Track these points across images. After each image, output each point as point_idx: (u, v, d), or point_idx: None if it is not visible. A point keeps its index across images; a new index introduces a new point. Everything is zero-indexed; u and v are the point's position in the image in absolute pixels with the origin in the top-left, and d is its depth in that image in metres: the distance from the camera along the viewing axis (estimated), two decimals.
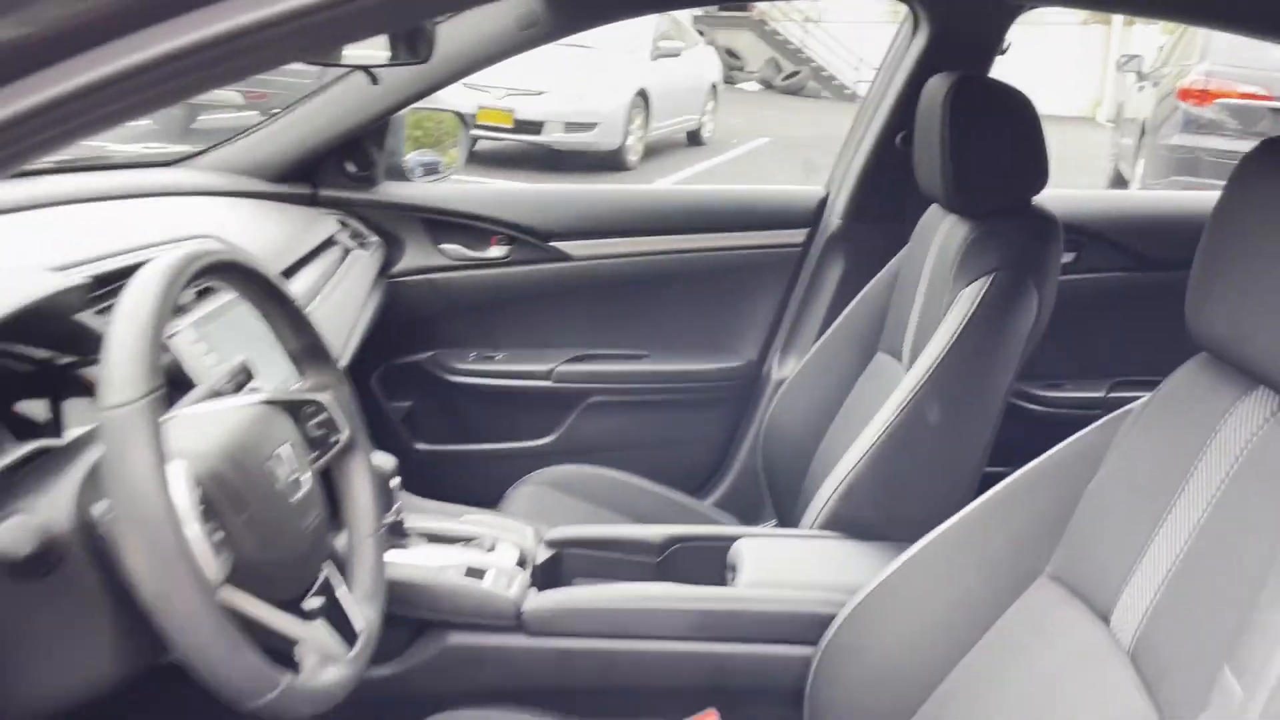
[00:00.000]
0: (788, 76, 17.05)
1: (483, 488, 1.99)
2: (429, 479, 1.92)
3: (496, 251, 2.30)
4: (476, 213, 2.29)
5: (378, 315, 2.09)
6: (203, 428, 0.97)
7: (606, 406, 2.33)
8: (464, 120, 2.54)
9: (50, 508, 0.89)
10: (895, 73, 2.20)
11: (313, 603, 1.03)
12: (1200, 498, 0.97)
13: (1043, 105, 1.67)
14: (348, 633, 1.05)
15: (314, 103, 2.10)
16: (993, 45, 2.12)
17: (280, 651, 0.96)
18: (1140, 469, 1.07)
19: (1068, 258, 2.25)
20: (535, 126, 8.63)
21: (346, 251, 2.07)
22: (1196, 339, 1.03)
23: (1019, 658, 1.13)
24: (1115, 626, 1.02)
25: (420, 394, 2.33)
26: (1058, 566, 1.14)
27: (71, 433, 1.05)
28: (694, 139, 10.94)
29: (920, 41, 2.14)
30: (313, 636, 0.99)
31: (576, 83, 8.61)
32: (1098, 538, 1.09)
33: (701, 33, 12.71)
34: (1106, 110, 14.79)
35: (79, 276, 1.14)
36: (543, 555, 1.54)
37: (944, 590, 1.22)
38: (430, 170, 2.39)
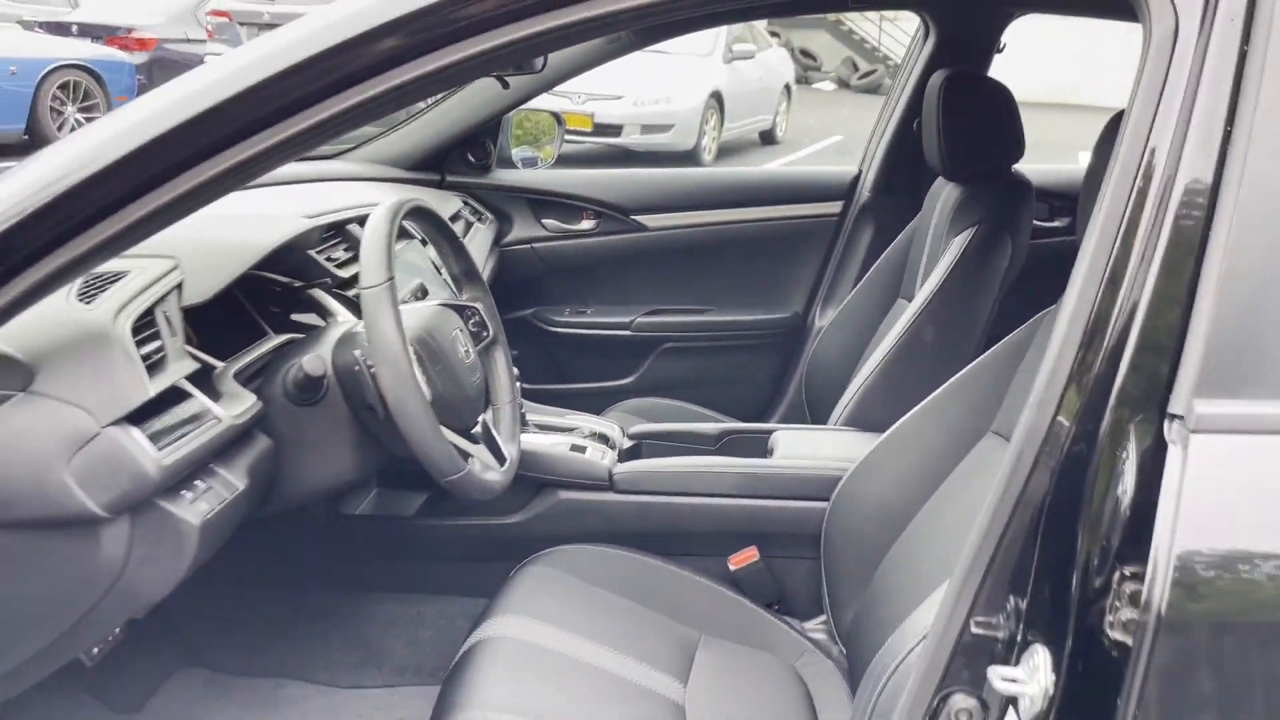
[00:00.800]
0: (864, 75, 16.98)
1: None
2: None
3: (587, 224, 2.78)
4: (572, 193, 2.77)
5: (492, 278, 2.59)
6: (410, 316, 1.48)
7: (677, 351, 2.78)
8: (558, 119, 3.02)
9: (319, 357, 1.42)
10: (912, 70, 2.64)
11: (476, 434, 1.54)
12: None
13: None
14: (499, 457, 1.56)
15: (441, 107, 2.61)
16: (989, 46, 2.55)
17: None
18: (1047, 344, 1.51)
19: (1063, 222, 2.66)
20: (614, 129, 8.95)
21: (469, 225, 2.59)
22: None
23: (963, 493, 1.57)
24: None
25: (526, 343, 2.79)
26: (998, 424, 1.58)
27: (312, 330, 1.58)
28: (767, 139, 11.19)
29: (930, 44, 2.58)
30: (478, 452, 1.50)
31: (652, 86, 8.95)
32: (1021, 395, 1.53)
33: (776, 34, 12.91)
34: None
35: (319, 221, 1.68)
36: (626, 444, 2.03)
37: (917, 449, 1.66)
38: (529, 164, 2.87)
